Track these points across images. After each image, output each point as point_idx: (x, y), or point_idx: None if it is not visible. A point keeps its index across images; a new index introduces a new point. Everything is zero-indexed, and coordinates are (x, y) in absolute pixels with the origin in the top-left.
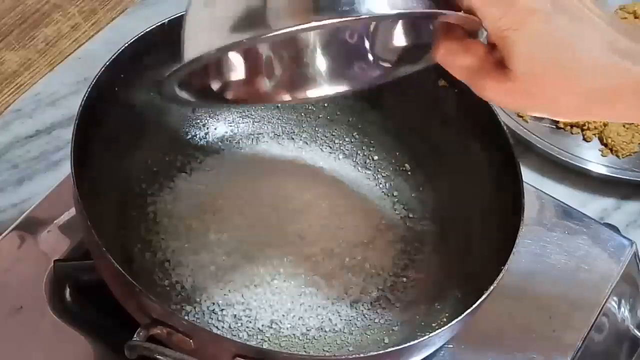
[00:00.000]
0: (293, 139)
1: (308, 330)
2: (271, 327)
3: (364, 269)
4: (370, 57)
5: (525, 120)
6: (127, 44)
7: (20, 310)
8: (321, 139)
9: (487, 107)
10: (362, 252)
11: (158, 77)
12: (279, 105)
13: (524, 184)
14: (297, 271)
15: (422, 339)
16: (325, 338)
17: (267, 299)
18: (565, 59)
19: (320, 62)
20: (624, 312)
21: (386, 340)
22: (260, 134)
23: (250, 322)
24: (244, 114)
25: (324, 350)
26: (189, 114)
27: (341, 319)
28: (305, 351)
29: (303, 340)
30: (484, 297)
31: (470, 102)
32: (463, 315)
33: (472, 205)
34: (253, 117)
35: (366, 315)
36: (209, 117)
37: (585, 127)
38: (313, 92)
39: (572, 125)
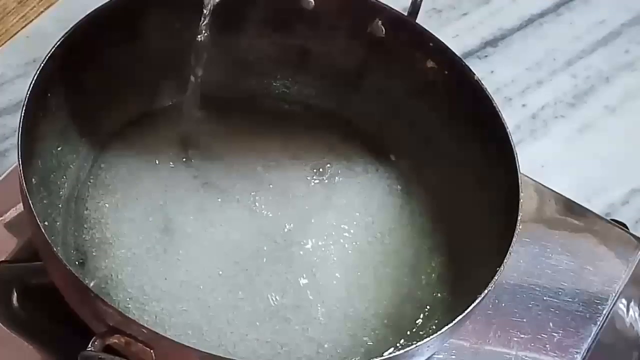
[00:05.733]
0: None
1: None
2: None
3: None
4: None
5: None
6: (80, 22)
7: None
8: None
9: (481, 90)
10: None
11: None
12: None
13: (522, 176)
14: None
15: (408, 348)
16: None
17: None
18: None
19: None
20: (634, 316)
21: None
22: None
23: None
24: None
25: (297, 358)
26: (149, 99)
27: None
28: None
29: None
30: (477, 301)
31: (462, 84)
32: (454, 321)
33: (464, 200)
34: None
35: None
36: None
37: None
38: None
39: None
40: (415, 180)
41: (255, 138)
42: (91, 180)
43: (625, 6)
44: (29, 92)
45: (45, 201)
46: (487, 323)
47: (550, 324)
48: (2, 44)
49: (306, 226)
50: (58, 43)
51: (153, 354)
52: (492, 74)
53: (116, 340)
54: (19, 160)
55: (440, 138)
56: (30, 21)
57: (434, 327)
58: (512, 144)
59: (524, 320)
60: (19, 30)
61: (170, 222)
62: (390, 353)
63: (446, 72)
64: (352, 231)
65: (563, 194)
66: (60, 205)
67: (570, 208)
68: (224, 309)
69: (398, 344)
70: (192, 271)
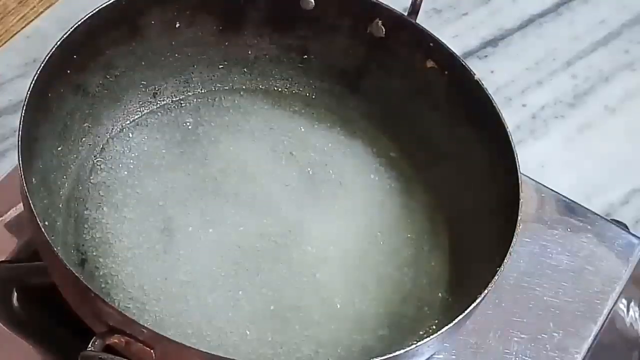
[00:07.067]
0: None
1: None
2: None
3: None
4: None
5: None
6: (80, 22)
7: None
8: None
9: (481, 90)
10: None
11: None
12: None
13: (522, 176)
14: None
15: (408, 348)
16: None
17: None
18: None
19: None
20: (634, 316)
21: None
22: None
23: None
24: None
25: (297, 358)
26: (149, 99)
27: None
28: None
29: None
30: (477, 301)
31: (461, 84)
32: (454, 321)
33: (464, 200)
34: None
35: None
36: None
37: None
38: None
39: None
40: (415, 180)
41: (255, 137)
42: (91, 180)
43: (625, 6)
44: (29, 92)
45: (45, 201)
46: (487, 323)
47: (550, 324)
48: (2, 44)
49: (306, 226)
50: (58, 43)
51: (153, 354)
52: (492, 74)
53: (116, 340)
54: (19, 160)
55: (440, 138)
56: (30, 21)
57: (434, 327)
58: (512, 144)
59: (524, 320)
60: (19, 30)
61: (170, 222)
62: (390, 353)
63: (446, 72)
64: (352, 231)
65: (563, 194)
66: (60, 205)
67: (570, 208)
68: (224, 309)
69: (398, 344)
70: (192, 271)
